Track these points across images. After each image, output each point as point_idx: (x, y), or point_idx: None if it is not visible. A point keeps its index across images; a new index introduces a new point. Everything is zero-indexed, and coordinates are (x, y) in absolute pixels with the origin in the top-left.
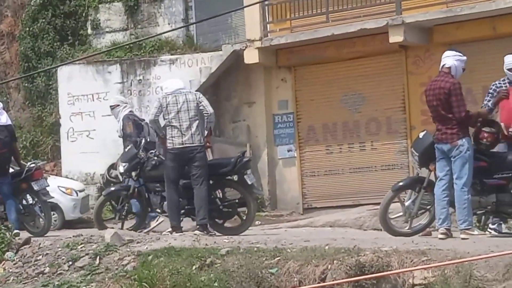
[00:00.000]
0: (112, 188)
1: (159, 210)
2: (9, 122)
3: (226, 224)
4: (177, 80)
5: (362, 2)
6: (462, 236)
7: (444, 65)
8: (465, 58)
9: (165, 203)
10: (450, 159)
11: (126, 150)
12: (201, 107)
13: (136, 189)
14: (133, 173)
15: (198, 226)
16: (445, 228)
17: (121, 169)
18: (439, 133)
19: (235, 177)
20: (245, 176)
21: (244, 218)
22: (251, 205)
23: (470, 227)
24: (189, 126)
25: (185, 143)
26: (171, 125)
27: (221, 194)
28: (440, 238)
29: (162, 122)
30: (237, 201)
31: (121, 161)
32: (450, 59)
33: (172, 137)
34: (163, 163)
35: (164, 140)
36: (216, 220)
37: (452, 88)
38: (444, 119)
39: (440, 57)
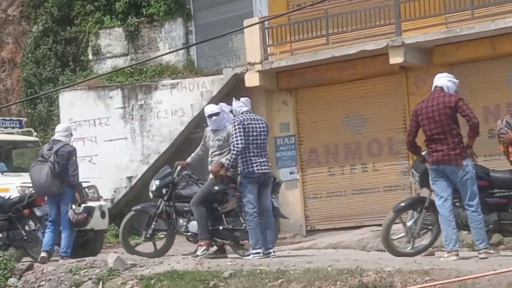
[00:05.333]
0: (142, 205)
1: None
2: None
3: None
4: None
5: (362, 24)
6: (482, 255)
7: (436, 85)
8: (457, 81)
9: (190, 224)
10: (450, 179)
11: (162, 169)
12: None
13: (164, 209)
14: (164, 190)
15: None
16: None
17: (153, 186)
18: (439, 154)
19: None
20: (273, 199)
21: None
22: (276, 228)
23: (487, 246)
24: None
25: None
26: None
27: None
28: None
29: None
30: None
31: (154, 178)
32: (443, 79)
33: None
34: (195, 184)
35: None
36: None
37: (459, 100)
38: (446, 137)
39: None
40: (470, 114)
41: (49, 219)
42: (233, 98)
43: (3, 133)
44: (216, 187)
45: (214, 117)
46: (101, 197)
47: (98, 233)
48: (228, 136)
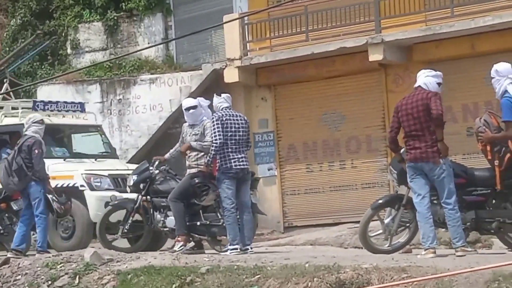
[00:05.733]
0: (119, 200)
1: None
2: None
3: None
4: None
5: (341, 20)
6: (459, 253)
7: (417, 86)
8: (437, 72)
9: (167, 219)
10: (428, 177)
11: (139, 164)
12: None
13: (142, 204)
14: (141, 185)
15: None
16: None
17: (130, 181)
18: (417, 152)
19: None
20: (251, 195)
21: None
22: (254, 224)
23: (465, 244)
24: None
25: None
26: None
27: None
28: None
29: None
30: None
31: (132, 173)
32: (420, 78)
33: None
34: (173, 179)
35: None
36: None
37: (432, 95)
38: (424, 134)
39: None
40: (434, 106)
41: (22, 213)
42: (214, 94)
43: (64, 117)
44: (196, 179)
45: (191, 110)
46: None
47: None
48: (204, 130)
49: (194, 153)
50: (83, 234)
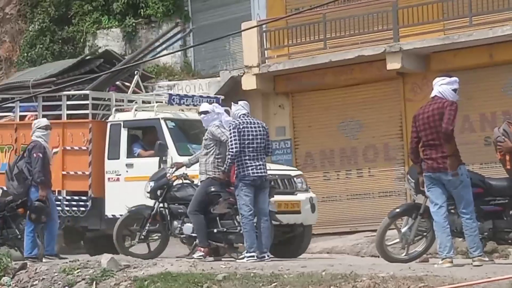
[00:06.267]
0: (137, 206)
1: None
2: None
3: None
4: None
5: (360, 29)
6: (476, 263)
7: (433, 96)
8: (451, 79)
9: (184, 226)
10: (445, 186)
11: (157, 171)
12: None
13: (159, 210)
14: (158, 192)
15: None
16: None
17: (147, 188)
18: (434, 162)
19: None
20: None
21: None
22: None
23: (482, 253)
24: None
25: None
26: None
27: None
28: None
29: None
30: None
31: (149, 180)
32: (435, 87)
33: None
34: (190, 186)
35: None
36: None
37: (447, 105)
38: (441, 143)
39: None
40: (446, 119)
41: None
42: (232, 102)
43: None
44: (212, 188)
45: (202, 115)
46: (309, 187)
47: (307, 228)
48: (212, 135)
49: (204, 158)
50: None
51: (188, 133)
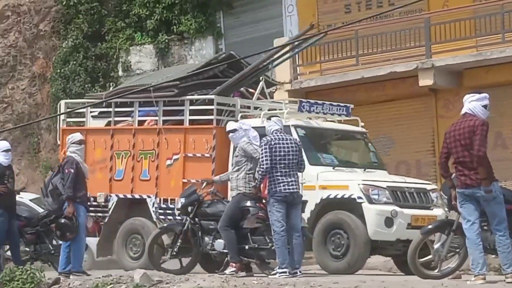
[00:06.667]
0: (169, 223)
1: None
2: None
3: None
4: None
5: (392, 45)
6: (509, 280)
7: (463, 113)
8: (481, 95)
9: (216, 242)
10: (478, 203)
11: (187, 187)
12: None
13: (190, 227)
14: (189, 208)
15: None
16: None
17: (178, 204)
18: (467, 178)
19: None
20: None
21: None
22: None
23: None
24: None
25: None
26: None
27: None
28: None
29: None
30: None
31: (180, 196)
32: (465, 104)
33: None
34: (220, 202)
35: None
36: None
37: (478, 125)
38: (472, 160)
39: None
40: (477, 143)
41: None
42: (265, 118)
43: (328, 121)
44: (243, 203)
45: (230, 134)
46: None
47: None
48: (244, 152)
49: (235, 174)
50: (358, 252)
51: (318, 142)
